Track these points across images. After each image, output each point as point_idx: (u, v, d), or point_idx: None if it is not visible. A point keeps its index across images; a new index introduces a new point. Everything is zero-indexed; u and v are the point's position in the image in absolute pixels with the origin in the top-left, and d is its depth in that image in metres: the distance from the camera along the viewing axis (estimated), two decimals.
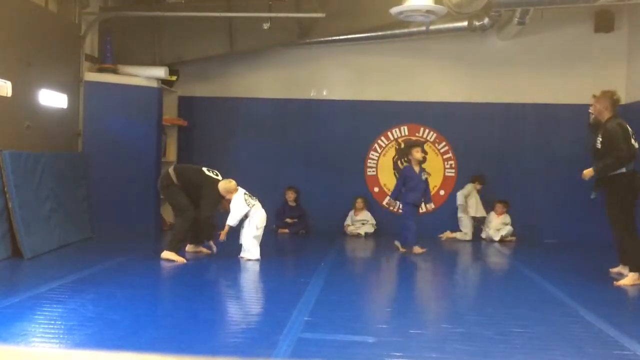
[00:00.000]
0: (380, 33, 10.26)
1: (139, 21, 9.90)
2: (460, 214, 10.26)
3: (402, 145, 10.70)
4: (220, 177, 7.73)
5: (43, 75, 8.14)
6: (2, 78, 6.88)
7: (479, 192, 10.25)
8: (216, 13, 9.36)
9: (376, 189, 10.78)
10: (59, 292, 5.56)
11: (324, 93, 10.83)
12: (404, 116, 10.69)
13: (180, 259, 7.33)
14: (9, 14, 7.42)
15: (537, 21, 9.83)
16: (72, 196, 8.60)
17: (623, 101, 10.12)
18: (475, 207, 10.15)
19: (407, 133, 10.72)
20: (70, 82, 8.93)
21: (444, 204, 10.53)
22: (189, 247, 7.89)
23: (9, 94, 6.88)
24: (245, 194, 7.67)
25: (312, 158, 10.74)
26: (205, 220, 7.59)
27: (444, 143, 10.67)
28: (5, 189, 7.14)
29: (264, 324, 4.97)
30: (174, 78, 10.35)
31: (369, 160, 10.78)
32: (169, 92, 10.40)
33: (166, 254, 7.36)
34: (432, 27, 9.74)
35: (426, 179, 8.88)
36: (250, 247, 7.60)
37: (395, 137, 10.75)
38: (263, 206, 7.81)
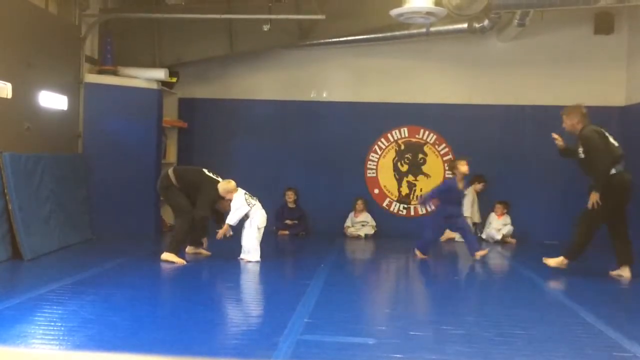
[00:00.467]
0: (380, 35, 10.26)
1: (139, 23, 9.90)
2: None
3: (402, 147, 10.71)
4: (220, 179, 7.74)
5: (43, 77, 8.14)
6: (2, 80, 6.88)
7: (481, 191, 10.24)
8: (216, 15, 9.35)
9: (376, 191, 10.78)
10: (59, 293, 5.56)
11: (324, 94, 10.83)
12: (404, 118, 10.69)
13: (180, 261, 7.33)
14: (9, 15, 7.43)
15: (537, 23, 9.83)
16: (72, 198, 8.60)
17: (623, 103, 10.24)
18: (471, 212, 10.16)
19: (407, 135, 10.72)
20: (71, 84, 8.94)
21: None
22: (188, 249, 7.89)
23: (9, 95, 6.88)
24: (245, 194, 7.68)
25: (312, 159, 10.74)
26: (200, 220, 7.59)
27: (443, 144, 10.67)
28: (5, 190, 7.14)
29: (264, 325, 4.98)
30: (174, 80, 10.35)
31: (369, 162, 10.78)
32: (169, 93, 10.40)
33: (166, 256, 7.36)
34: (432, 29, 9.75)
35: (464, 194, 8.72)
36: (251, 249, 7.60)
37: (395, 138, 10.75)
38: (263, 207, 7.81)
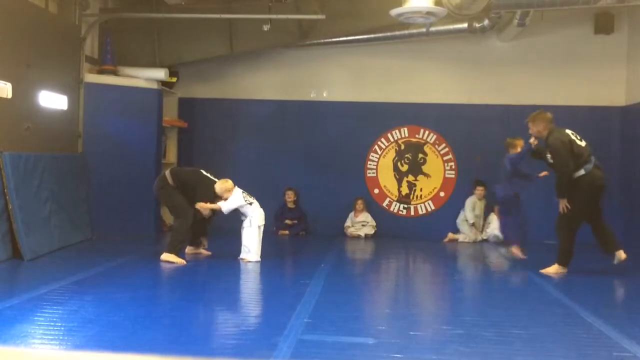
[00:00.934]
0: (380, 35, 10.26)
1: (139, 23, 9.91)
2: (458, 220, 10.29)
3: (402, 147, 10.71)
4: (217, 179, 7.74)
5: (43, 77, 8.14)
6: (2, 79, 6.88)
7: (481, 198, 10.24)
8: (216, 15, 9.36)
9: (376, 191, 10.78)
10: (59, 293, 5.56)
11: (324, 94, 10.83)
12: (404, 117, 10.69)
13: (180, 261, 7.33)
14: (9, 15, 7.43)
15: (537, 23, 9.83)
16: (72, 198, 8.60)
17: (623, 103, 10.24)
18: (473, 217, 10.18)
19: (407, 134, 10.72)
20: (71, 84, 8.94)
21: (444, 205, 10.53)
22: (188, 249, 7.89)
23: (9, 95, 6.88)
24: (243, 192, 7.68)
25: (311, 159, 10.74)
26: (199, 220, 7.58)
27: (444, 144, 10.67)
28: (5, 190, 7.14)
29: (264, 325, 4.98)
30: (174, 79, 10.36)
31: (369, 162, 10.77)
32: (169, 93, 10.41)
33: (166, 256, 7.35)
34: (432, 29, 9.75)
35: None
36: (252, 249, 7.59)
37: (396, 138, 10.75)
38: (261, 207, 7.80)
